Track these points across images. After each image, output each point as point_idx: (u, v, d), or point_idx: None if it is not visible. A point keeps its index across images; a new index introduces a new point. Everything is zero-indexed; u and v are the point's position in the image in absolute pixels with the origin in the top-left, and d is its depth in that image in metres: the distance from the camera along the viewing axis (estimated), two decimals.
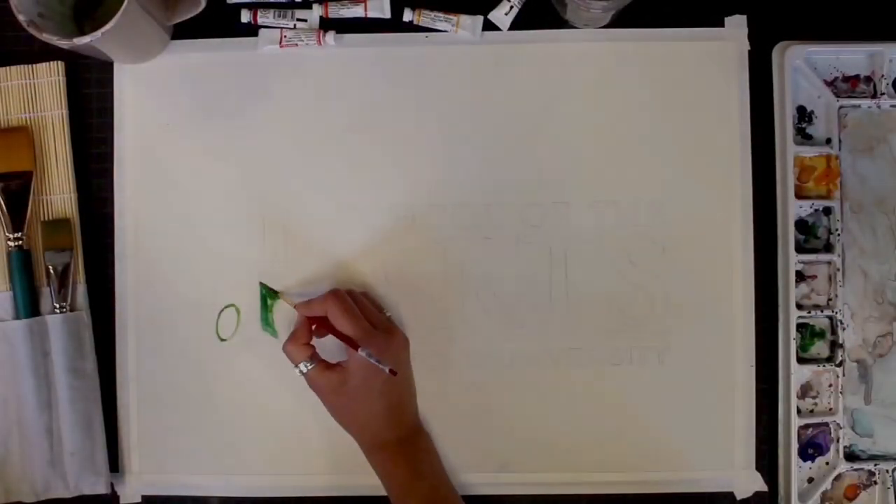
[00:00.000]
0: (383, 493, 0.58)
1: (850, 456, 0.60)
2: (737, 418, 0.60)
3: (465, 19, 0.60)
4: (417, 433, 0.59)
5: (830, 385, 0.60)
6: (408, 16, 0.60)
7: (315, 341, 0.57)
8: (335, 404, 0.57)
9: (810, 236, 0.61)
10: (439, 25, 0.61)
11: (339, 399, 0.56)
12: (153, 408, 0.61)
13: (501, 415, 0.60)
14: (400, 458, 0.57)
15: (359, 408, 0.56)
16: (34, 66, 0.61)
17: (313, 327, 0.56)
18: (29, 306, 0.59)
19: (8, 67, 0.60)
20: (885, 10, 0.61)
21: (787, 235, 0.59)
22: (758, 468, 0.60)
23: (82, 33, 0.53)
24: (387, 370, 0.53)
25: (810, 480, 0.60)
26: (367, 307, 0.58)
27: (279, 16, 0.61)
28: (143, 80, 0.61)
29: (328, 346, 0.57)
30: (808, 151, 0.60)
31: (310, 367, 0.55)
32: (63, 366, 0.58)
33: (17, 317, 0.59)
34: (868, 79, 0.61)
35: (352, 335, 0.54)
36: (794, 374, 0.59)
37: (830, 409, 0.60)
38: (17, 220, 0.59)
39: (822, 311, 0.60)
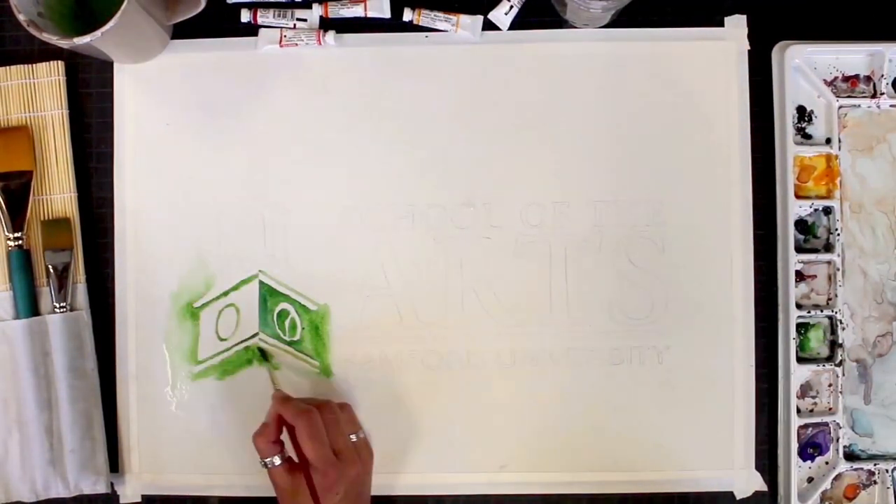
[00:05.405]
0: (384, 493, 0.58)
1: (850, 456, 0.60)
2: (736, 418, 0.60)
3: (465, 19, 0.60)
4: None
5: (830, 385, 0.60)
6: (408, 15, 0.60)
7: None
8: None
9: (810, 236, 0.61)
10: (439, 25, 0.61)
11: (294, 502, 0.54)
12: (153, 407, 0.61)
13: (501, 415, 0.60)
14: None
15: None
16: (34, 65, 0.61)
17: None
18: (29, 306, 0.59)
19: (8, 67, 0.60)
20: (885, 10, 0.61)
21: (786, 235, 0.59)
22: (757, 468, 0.60)
23: (82, 33, 0.53)
24: None
25: (810, 480, 0.60)
26: (338, 429, 0.55)
27: (279, 15, 0.61)
28: (143, 80, 0.61)
29: None
30: (807, 151, 0.60)
31: (276, 465, 0.54)
32: (63, 365, 0.58)
33: (17, 316, 0.59)
34: (868, 78, 0.61)
35: (311, 460, 0.53)
36: (794, 374, 0.59)
37: (830, 409, 0.60)
38: (17, 219, 0.59)
39: (821, 311, 0.60)
